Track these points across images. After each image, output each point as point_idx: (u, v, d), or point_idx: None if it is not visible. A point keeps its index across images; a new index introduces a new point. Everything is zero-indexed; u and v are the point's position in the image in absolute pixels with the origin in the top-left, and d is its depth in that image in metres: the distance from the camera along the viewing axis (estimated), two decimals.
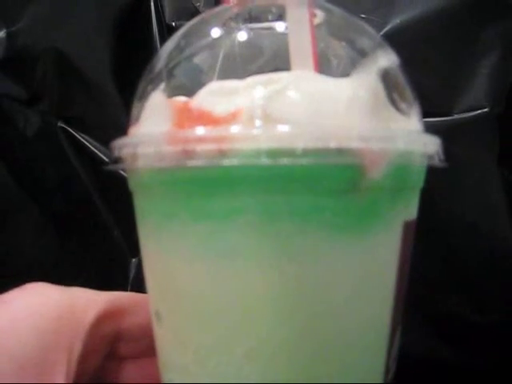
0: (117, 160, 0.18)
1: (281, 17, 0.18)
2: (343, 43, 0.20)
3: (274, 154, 0.15)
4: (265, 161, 0.15)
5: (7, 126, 0.43)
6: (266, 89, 0.16)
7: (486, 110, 0.33)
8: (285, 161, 0.15)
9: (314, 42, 0.17)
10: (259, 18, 0.19)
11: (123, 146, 0.17)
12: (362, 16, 0.33)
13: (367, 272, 0.17)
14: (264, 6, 0.20)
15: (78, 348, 0.20)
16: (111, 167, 0.18)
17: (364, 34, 0.20)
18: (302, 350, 0.16)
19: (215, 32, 0.20)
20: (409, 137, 0.17)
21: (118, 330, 0.22)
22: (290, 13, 0.18)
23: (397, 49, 0.19)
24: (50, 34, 0.41)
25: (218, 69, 0.18)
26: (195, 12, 0.39)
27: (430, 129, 0.18)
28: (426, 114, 0.20)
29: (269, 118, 0.15)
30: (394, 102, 0.18)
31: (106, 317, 0.21)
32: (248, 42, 0.19)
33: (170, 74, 0.19)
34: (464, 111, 0.33)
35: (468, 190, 0.34)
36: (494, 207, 0.34)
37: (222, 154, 0.15)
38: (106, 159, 0.41)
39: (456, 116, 0.33)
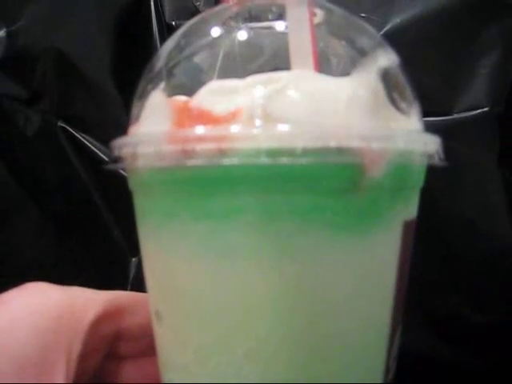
0: (117, 159, 0.18)
1: (281, 16, 0.18)
2: (343, 42, 0.20)
3: (273, 153, 0.15)
4: (265, 160, 0.15)
5: (7, 126, 0.43)
6: (265, 88, 0.16)
7: (486, 109, 0.33)
8: (285, 160, 0.15)
9: (313, 42, 0.17)
10: (259, 18, 0.19)
11: (123, 146, 0.17)
12: (362, 15, 0.33)
13: (367, 271, 0.17)
14: (264, 5, 0.20)
15: (77, 347, 0.20)
16: (111, 167, 0.18)
17: (364, 34, 0.20)
18: (301, 349, 0.16)
19: (215, 31, 0.20)
20: (409, 136, 0.17)
21: (117, 329, 0.22)
22: (290, 12, 0.18)
23: (397, 48, 0.19)
24: (49, 33, 0.41)
25: (217, 68, 0.18)
26: (195, 11, 0.39)
27: (429, 128, 0.18)
28: (425, 113, 0.20)
29: (269, 118, 0.15)
30: (394, 102, 0.18)
31: (105, 316, 0.21)
32: (248, 42, 0.19)
33: (170, 73, 0.19)
34: (464, 111, 0.33)
35: (468, 189, 0.34)
36: (493, 207, 0.34)
37: (222, 153, 0.15)
38: (106, 159, 0.41)
39: (456, 115, 0.33)
